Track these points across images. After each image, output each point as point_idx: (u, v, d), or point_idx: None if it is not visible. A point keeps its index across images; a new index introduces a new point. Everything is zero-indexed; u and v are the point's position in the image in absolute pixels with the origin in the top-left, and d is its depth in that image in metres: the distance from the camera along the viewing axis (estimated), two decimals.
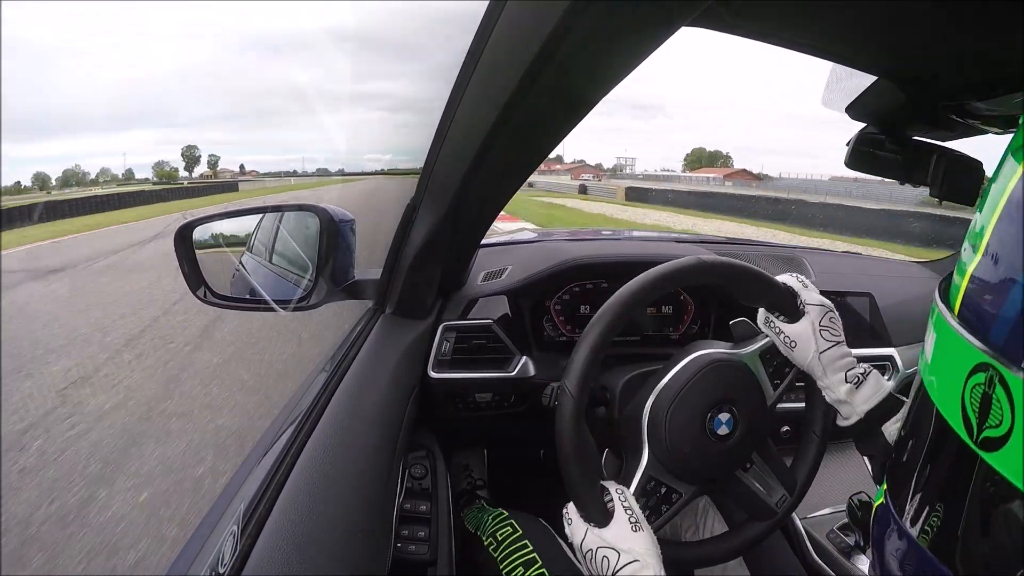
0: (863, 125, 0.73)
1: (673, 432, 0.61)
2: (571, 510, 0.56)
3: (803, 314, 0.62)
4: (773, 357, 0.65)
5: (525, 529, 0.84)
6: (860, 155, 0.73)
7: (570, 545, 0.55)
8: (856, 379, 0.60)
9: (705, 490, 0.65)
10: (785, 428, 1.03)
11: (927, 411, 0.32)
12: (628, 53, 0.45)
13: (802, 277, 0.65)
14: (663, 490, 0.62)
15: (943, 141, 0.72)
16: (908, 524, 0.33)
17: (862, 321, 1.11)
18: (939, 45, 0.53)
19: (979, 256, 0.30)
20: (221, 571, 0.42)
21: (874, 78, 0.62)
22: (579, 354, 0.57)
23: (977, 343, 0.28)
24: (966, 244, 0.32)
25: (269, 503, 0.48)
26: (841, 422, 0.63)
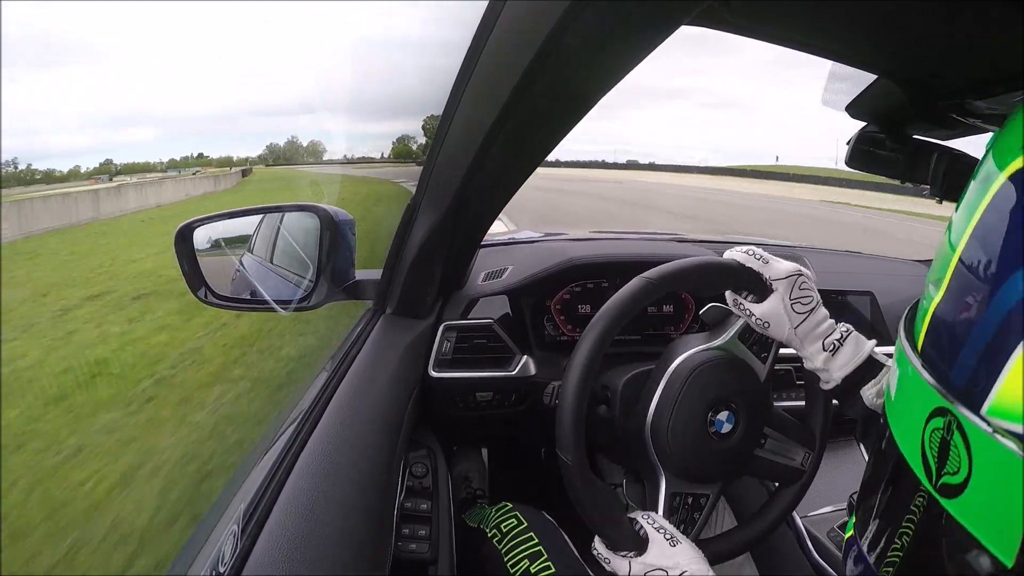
0: (863, 124, 0.73)
1: (679, 445, 0.61)
2: (601, 549, 0.56)
3: (771, 291, 0.60)
4: (751, 334, 0.64)
5: (530, 522, 0.83)
6: (860, 154, 0.73)
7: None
8: (832, 346, 0.59)
9: (729, 483, 0.66)
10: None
11: (892, 445, 0.31)
12: (627, 52, 0.45)
13: (758, 251, 0.61)
14: (690, 500, 0.62)
15: (943, 140, 0.72)
16: (873, 560, 0.32)
17: (863, 320, 1.11)
18: (939, 44, 0.53)
19: (941, 292, 0.29)
20: (222, 570, 0.43)
21: (874, 77, 0.62)
22: (563, 416, 0.56)
23: (937, 385, 0.27)
24: (929, 280, 0.30)
25: (270, 502, 0.49)
26: (823, 386, 0.63)
